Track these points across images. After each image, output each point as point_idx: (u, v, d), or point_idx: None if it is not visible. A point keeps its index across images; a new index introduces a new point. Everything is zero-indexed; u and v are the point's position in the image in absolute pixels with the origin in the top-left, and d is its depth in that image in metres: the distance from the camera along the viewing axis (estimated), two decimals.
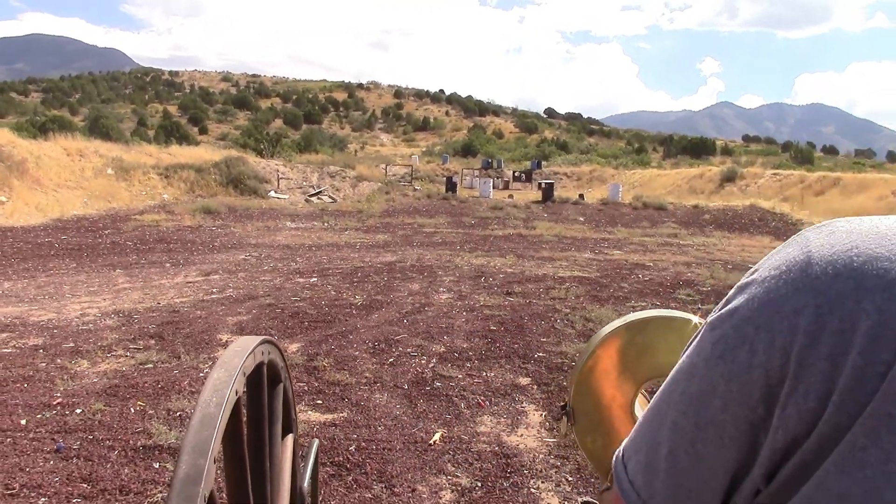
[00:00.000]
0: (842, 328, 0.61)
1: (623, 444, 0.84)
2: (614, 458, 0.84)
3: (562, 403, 1.56)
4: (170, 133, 62.28)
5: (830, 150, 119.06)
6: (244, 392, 1.33)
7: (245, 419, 1.39)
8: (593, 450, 1.46)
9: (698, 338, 0.74)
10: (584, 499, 1.42)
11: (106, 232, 15.94)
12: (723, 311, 0.71)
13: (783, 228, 21.78)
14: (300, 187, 29.04)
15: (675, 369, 0.76)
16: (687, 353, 0.75)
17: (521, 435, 4.77)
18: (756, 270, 0.72)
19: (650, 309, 1.55)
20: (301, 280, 10.30)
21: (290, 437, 1.82)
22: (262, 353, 1.47)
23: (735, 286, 0.73)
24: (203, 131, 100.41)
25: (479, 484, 4.03)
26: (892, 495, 0.59)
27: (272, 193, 27.12)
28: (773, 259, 0.70)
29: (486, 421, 4.99)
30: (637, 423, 0.82)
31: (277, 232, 17.27)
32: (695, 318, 1.42)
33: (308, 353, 6.40)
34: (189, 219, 19.02)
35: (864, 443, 0.59)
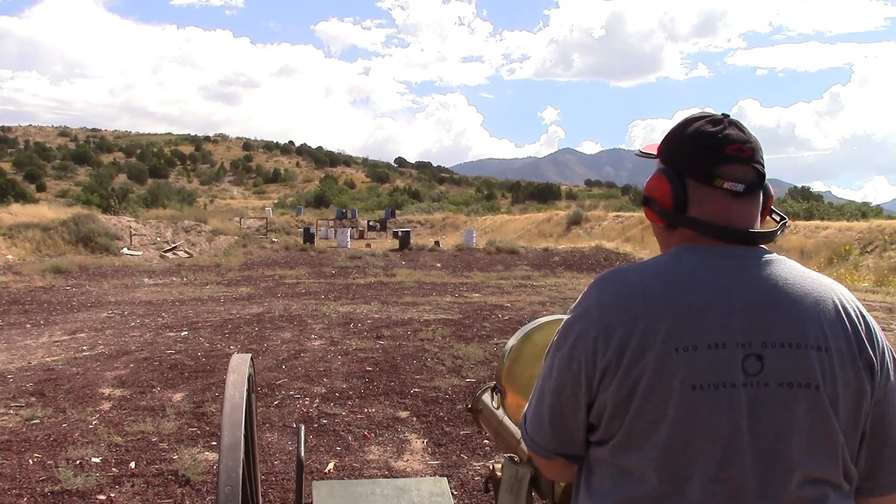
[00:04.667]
0: None
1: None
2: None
3: (492, 384, 2.11)
4: (5, 192, 59.23)
5: None
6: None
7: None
8: (516, 415, 1.98)
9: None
10: (508, 455, 1.92)
11: None
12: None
13: None
14: (154, 243, 28.50)
15: None
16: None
17: (407, 460, 5.24)
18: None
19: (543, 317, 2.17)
20: (171, 334, 10.39)
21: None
22: (251, 367, 1.91)
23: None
24: (41, 188, 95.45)
25: None
26: None
27: (125, 250, 26.50)
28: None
29: (373, 450, 5.42)
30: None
31: (136, 289, 17.03)
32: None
33: (194, 401, 6.65)
34: (40, 279, 18.42)
35: None
